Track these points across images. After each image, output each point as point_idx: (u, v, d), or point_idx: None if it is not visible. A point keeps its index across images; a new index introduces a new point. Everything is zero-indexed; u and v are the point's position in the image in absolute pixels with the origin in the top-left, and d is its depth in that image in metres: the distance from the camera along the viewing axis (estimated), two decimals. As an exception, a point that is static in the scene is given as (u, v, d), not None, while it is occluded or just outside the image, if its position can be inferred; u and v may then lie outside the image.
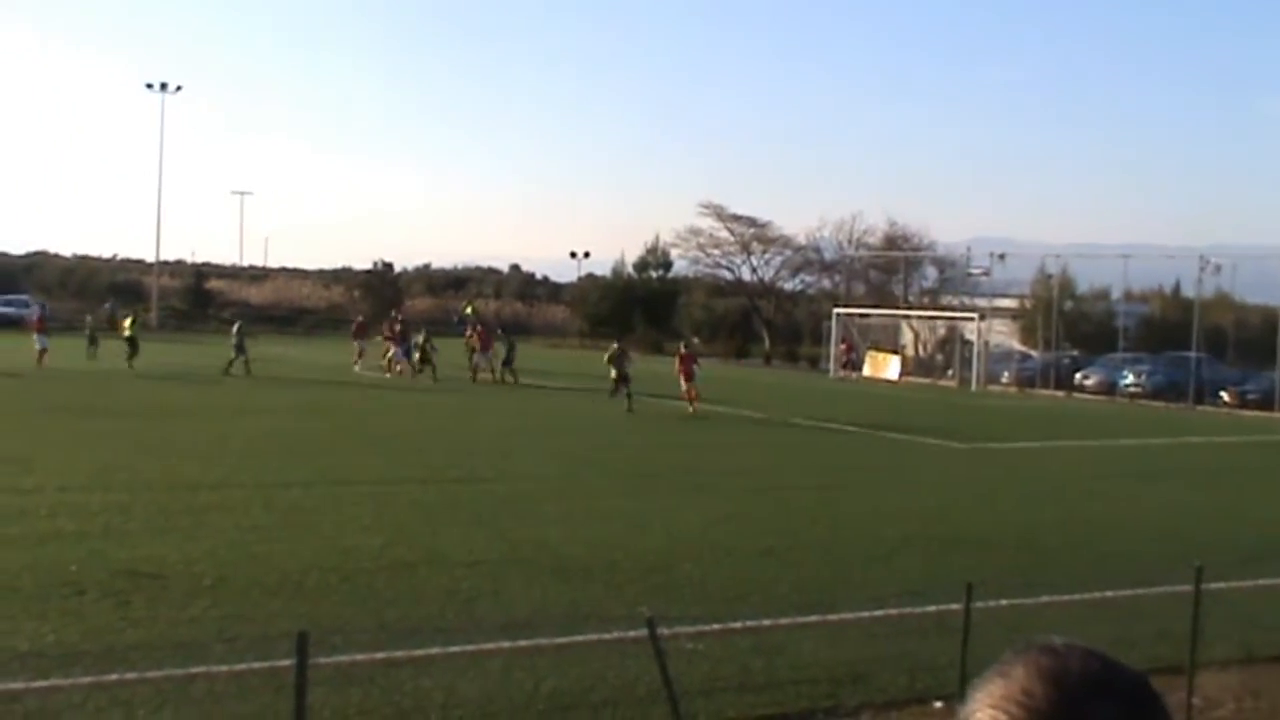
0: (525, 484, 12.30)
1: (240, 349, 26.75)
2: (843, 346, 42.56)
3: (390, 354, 29.34)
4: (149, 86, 52.44)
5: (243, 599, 7.13)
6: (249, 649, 5.97)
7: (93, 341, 29.83)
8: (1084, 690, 0.73)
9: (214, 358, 28.41)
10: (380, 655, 5.94)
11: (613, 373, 23.42)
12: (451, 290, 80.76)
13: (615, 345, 24.62)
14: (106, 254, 75.03)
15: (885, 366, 41.75)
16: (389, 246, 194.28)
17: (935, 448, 18.29)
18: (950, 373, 41.24)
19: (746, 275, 64.88)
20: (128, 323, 28.98)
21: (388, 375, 28.31)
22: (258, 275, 75.00)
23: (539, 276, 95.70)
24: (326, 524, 9.65)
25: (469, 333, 30.51)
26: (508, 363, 27.83)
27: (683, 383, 23.37)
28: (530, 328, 66.50)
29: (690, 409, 22.06)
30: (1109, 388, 35.69)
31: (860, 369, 42.45)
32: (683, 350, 24.76)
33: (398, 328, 29.83)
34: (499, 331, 30.27)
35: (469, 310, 75.71)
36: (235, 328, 28.50)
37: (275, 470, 12.44)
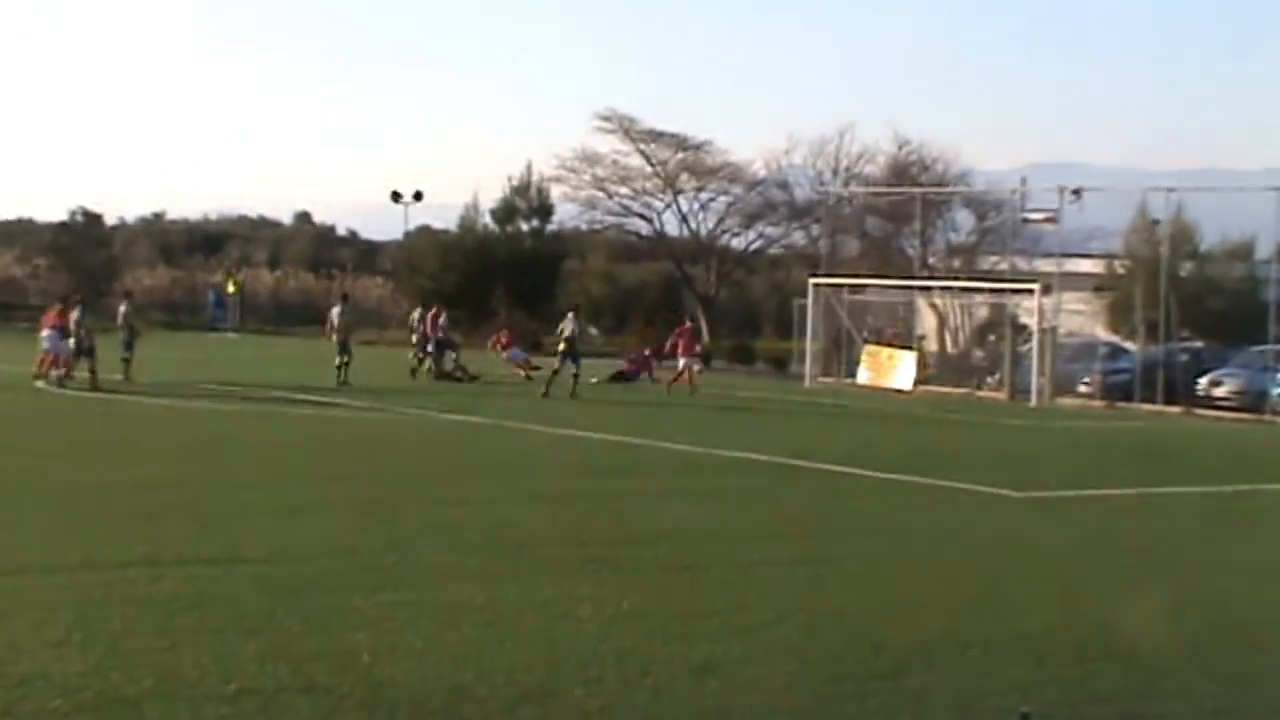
0: (319, 563, 12.21)
1: None
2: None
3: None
4: None
5: None
6: None
7: None
8: None
9: None
10: None
11: (561, 346, 32.62)
12: (201, 255, 79.90)
13: (569, 315, 33.57)
14: None
15: (892, 368, 42.39)
16: (94, 188, 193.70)
17: (974, 498, 18.56)
18: (995, 377, 42.27)
19: (672, 227, 65.74)
20: None
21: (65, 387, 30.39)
22: None
23: (342, 232, 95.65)
24: (-17, 639, 9.49)
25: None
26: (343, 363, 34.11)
27: (680, 360, 34.13)
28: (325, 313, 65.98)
29: (689, 391, 33.42)
30: (1255, 400, 36.24)
31: (854, 373, 43.34)
32: (687, 323, 36.18)
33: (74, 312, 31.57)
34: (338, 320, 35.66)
35: (231, 287, 75.01)
36: None
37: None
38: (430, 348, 38.61)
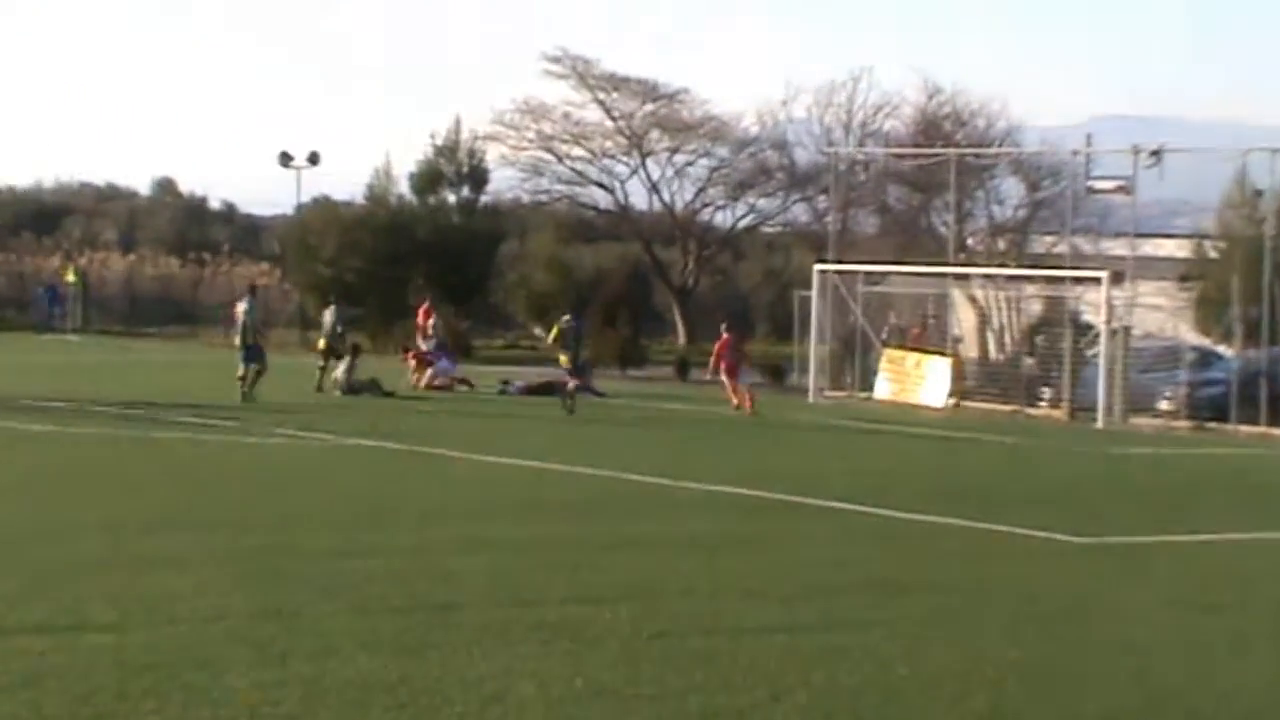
0: (184, 630, 12.08)
1: None
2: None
3: None
4: None
5: None
6: None
7: None
8: None
9: None
10: None
11: (562, 358, 35.17)
12: (31, 234, 79.14)
13: (567, 316, 36.04)
14: None
15: (919, 379, 42.59)
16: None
17: (1024, 544, 18.66)
18: (1051, 392, 42.36)
19: (640, 199, 65.85)
20: None
21: None
22: None
23: (216, 204, 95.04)
24: None
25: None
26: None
27: (725, 379, 37.78)
28: (197, 311, 65.72)
29: (745, 411, 36.24)
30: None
31: (871, 385, 43.40)
32: (724, 333, 38.72)
33: None
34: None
35: (71, 275, 74.62)
36: None
37: None
38: (427, 350, 41.32)
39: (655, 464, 25.18)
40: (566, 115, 64.28)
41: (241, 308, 36.19)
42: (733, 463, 26.62)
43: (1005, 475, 27.44)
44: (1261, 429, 37.68)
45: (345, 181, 67.14)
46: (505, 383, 41.03)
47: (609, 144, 64.40)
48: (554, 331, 36.30)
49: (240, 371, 34.30)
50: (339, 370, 37.52)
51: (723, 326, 40.16)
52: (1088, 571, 17.41)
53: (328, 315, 39.44)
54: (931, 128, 54.84)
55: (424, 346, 42.06)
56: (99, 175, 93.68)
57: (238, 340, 35.43)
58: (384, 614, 13.16)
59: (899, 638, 13.21)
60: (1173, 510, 23.22)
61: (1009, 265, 47.27)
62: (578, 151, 64.46)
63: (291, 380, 37.41)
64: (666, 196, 65.29)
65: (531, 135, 64.12)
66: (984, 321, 48.07)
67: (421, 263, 57.88)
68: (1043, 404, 42.26)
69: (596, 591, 14.51)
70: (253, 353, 34.49)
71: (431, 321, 42.60)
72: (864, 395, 43.65)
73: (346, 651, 11.82)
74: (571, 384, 34.96)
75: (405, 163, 63.79)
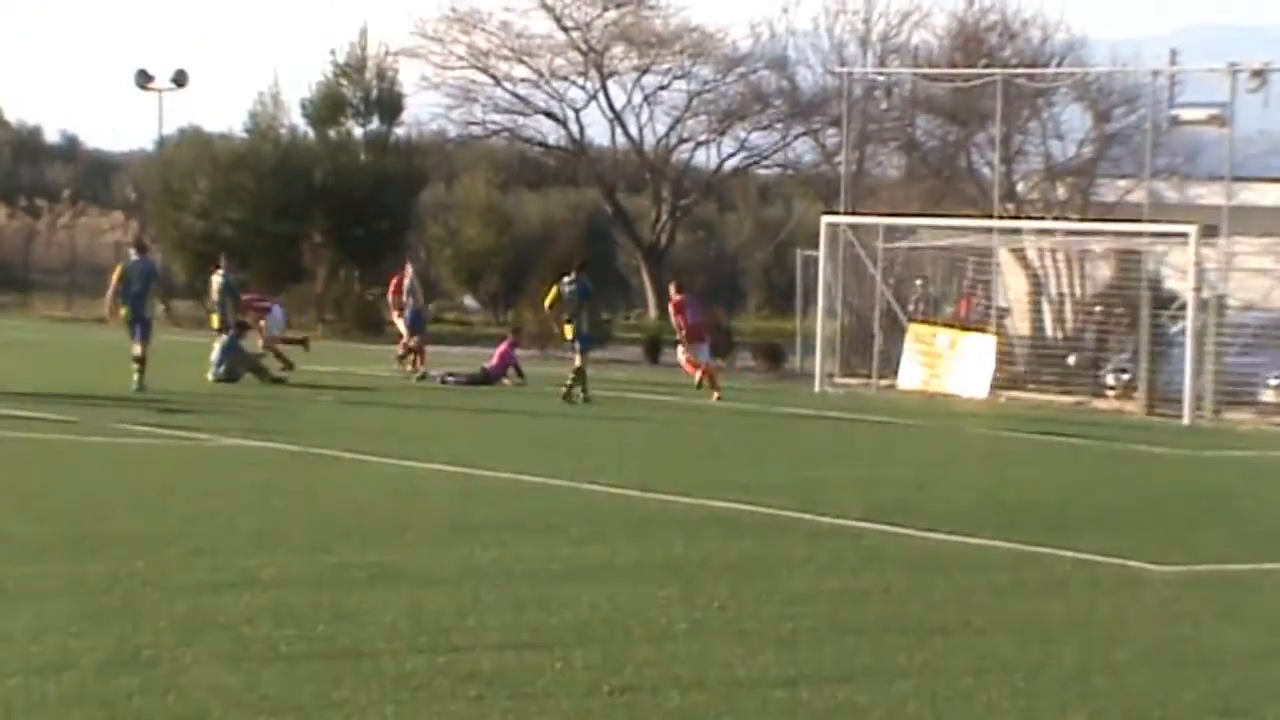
0: (11, 685, 12.10)
1: None
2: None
3: None
4: None
5: None
6: None
7: None
8: None
9: None
10: None
11: (566, 329, 37.43)
12: None
13: (569, 276, 37.63)
14: None
15: (955, 363, 42.67)
16: None
17: (1090, 572, 18.78)
18: (1124, 378, 42.44)
19: (598, 132, 65.71)
20: None
21: None
22: None
23: (53, 138, 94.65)
24: None
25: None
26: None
27: (682, 352, 41.85)
28: (30, 275, 65.51)
29: (711, 394, 38.82)
30: None
31: (895, 370, 43.45)
32: (675, 294, 41.50)
33: None
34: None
35: None
36: None
37: None
38: (404, 320, 42.64)
39: (621, 470, 25.21)
40: (505, 25, 64.30)
41: (217, 280, 38.03)
42: (719, 469, 26.66)
43: (1066, 486, 27.47)
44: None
45: (221, 109, 67.09)
46: (450, 374, 41.18)
47: (560, 62, 64.35)
48: (552, 294, 37.89)
49: (137, 350, 34.73)
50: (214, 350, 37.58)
51: (673, 286, 42.74)
52: (1172, 609, 17.43)
53: (216, 280, 39.51)
54: (972, 42, 54.87)
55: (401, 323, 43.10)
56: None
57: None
58: (269, 663, 13.09)
59: (933, 693, 13.22)
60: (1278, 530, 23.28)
61: (1070, 217, 47.25)
62: (520, 71, 64.46)
63: (157, 364, 37.45)
64: (633, 130, 65.28)
65: (461, 51, 64.02)
66: (1038, 289, 48.14)
67: (319, 213, 57.71)
68: (1111, 394, 42.34)
69: (544, 634, 14.52)
70: (143, 328, 35.22)
71: (408, 283, 43.03)
72: (885, 383, 43.71)
73: (218, 713, 11.75)
74: (577, 362, 37.05)
75: (298, 85, 63.65)
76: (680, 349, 42.20)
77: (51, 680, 12.29)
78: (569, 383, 36.57)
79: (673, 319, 42.64)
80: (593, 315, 38.58)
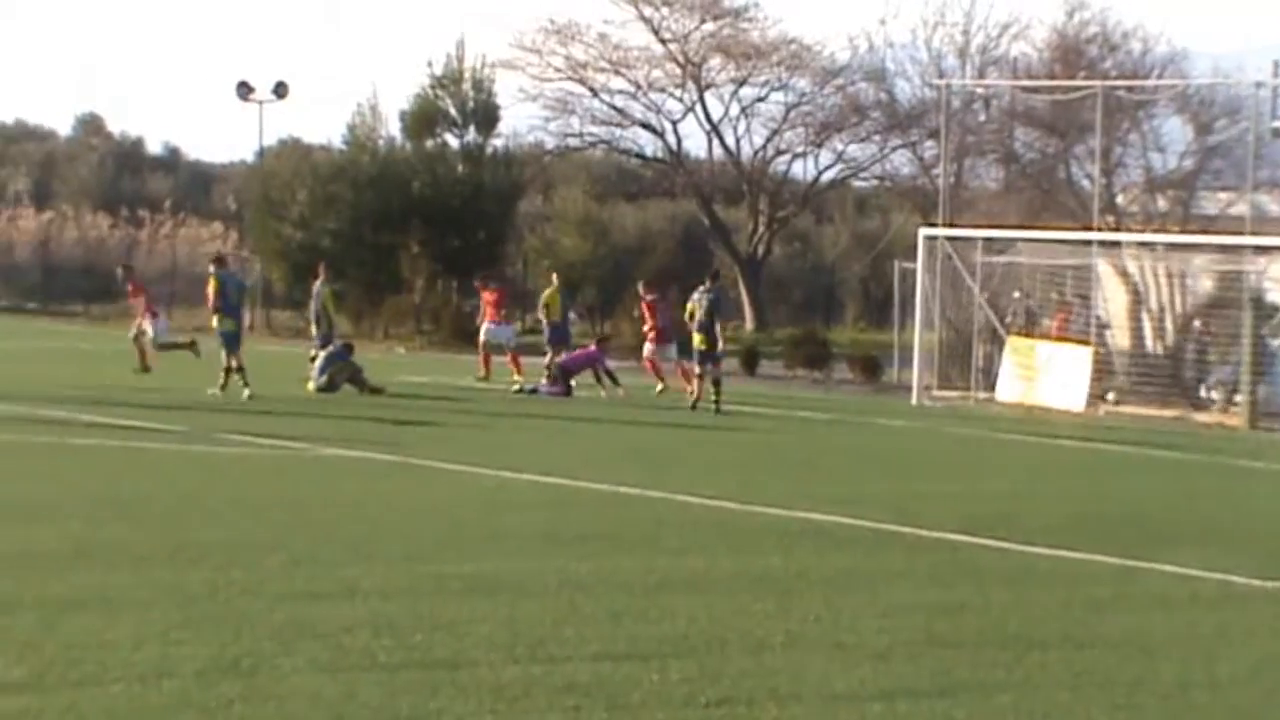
0: (116, 692, 12.15)
1: None
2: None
3: None
4: None
5: None
6: None
7: None
8: None
9: None
10: None
11: (696, 338, 37.57)
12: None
13: (704, 285, 38.60)
14: None
15: (1052, 375, 42.46)
16: None
17: (1191, 587, 18.66)
18: (1226, 391, 42.17)
19: (695, 144, 65.73)
20: None
21: None
22: None
23: (155, 149, 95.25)
24: None
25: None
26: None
27: (648, 350, 43.00)
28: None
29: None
30: None
31: (994, 383, 43.26)
32: (645, 293, 43.42)
33: None
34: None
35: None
36: None
37: None
38: (483, 332, 42.73)
39: (718, 481, 25.19)
40: (603, 37, 64.42)
41: (317, 289, 38.64)
42: (816, 481, 26.63)
43: (1167, 500, 27.35)
44: None
45: (320, 121, 67.29)
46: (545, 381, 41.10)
47: (657, 73, 64.41)
48: (688, 308, 38.59)
49: (233, 363, 35.37)
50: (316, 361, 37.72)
51: (641, 285, 44.85)
52: (1275, 625, 17.26)
53: (317, 288, 39.72)
54: (1071, 54, 54.66)
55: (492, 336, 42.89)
56: (6, 111, 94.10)
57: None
58: (367, 672, 13.14)
59: (1031, 708, 13.16)
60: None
61: (1171, 230, 46.95)
62: (617, 83, 64.55)
63: (258, 373, 37.63)
64: (730, 141, 65.29)
65: (559, 63, 64.12)
66: (1138, 302, 47.89)
67: (416, 224, 57.84)
68: (1214, 408, 42.06)
69: (641, 645, 14.51)
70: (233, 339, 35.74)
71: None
72: (983, 396, 43.54)
73: (319, 720, 11.81)
74: (704, 371, 37.90)
75: (396, 97, 63.81)
76: (647, 346, 43.22)
77: (153, 688, 12.39)
78: (714, 397, 37.13)
79: (646, 319, 43.63)
80: (715, 328, 38.35)
